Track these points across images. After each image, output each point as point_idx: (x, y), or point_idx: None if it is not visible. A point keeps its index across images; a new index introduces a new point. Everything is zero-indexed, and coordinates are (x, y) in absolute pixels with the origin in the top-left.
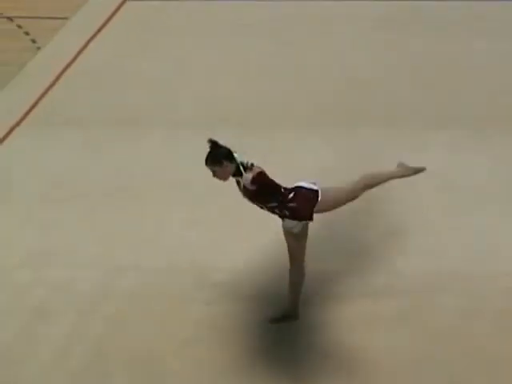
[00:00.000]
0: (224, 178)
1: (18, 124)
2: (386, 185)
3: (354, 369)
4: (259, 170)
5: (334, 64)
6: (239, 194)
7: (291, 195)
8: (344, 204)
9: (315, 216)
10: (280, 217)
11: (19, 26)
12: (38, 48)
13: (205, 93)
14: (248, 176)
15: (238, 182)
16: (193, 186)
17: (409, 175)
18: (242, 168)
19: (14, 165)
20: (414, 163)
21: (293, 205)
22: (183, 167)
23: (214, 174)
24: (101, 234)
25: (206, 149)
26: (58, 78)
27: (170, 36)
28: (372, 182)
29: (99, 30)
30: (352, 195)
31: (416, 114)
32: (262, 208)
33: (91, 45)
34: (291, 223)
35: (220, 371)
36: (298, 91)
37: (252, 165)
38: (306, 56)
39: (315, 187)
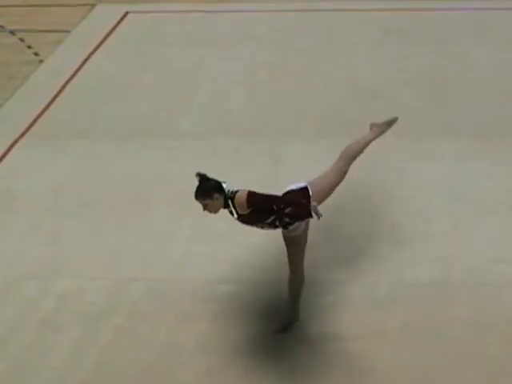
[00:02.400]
0: (215, 210)
1: (21, 136)
2: (393, 194)
3: (360, 381)
4: (247, 191)
5: (341, 74)
6: None
7: (284, 202)
8: (337, 185)
9: (319, 223)
10: (283, 227)
11: (21, 40)
12: (41, 61)
13: (208, 104)
14: (241, 201)
15: (231, 213)
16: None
17: (384, 132)
18: (229, 200)
19: (19, 177)
20: (421, 173)
21: (289, 210)
22: (187, 179)
23: (205, 208)
24: (108, 245)
25: (207, 158)
26: (60, 91)
27: (172, 48)
28: (353, 153)
29: (101, 43)
30: (340, 174)
31: (423, 123)
32: (263, 228)
33: (93, 57)
34: (293, 227)
35: (232, 382)
36: (304, 102)
37: (236, 191)
38: (311, 66)
39: (303, 184)
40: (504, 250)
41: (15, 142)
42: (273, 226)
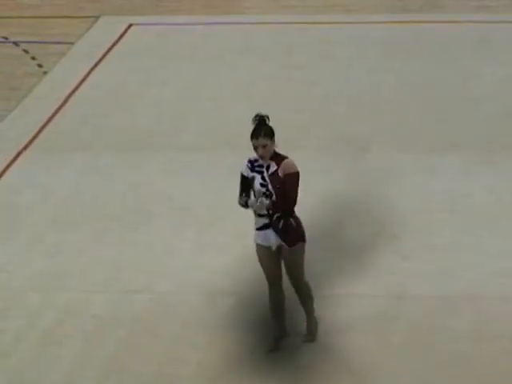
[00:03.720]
0: (269, 154)
1: (25, 148)
2: (394, 207)
3: None
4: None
5: (341, 88)
6: (245, 219)
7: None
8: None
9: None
10: (268, 206)
11: (25, 51)
12: (45, 72)
13: (211, 117)
14: (293, 162)
15: (268, 167)
16: (199, 209)
17: None
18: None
19: (22, 189)
20: (423, 186)
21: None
22: (189, 191)
23: (263, 148)
24: (110, 258)
25: (209, 172)
26: (64, 103)
27: (175, 60)
28: None
29: (105, 55)
30: None
31: (425, 137)
32: (266, 197)
33: (97, 69)
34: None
35: None
36: (307, 114)
37: None
38: (311, 80)
39: None
40: (506, 263)
41: (18, 154)
42: (269, 198)
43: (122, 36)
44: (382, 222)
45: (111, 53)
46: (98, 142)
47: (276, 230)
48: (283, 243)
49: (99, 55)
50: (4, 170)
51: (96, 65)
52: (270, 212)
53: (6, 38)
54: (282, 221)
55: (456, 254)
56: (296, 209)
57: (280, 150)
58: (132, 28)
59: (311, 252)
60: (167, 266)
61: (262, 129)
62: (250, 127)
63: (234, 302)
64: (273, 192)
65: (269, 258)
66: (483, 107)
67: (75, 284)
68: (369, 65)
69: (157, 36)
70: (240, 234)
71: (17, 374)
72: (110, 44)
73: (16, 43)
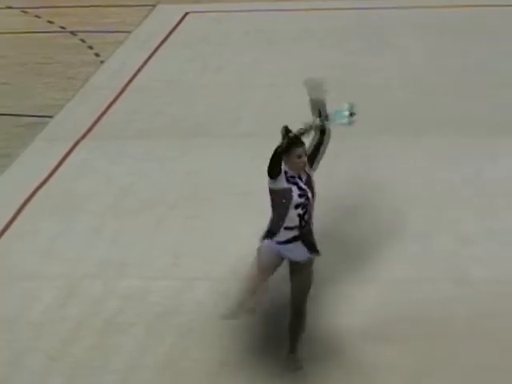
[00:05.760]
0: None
1: (83, 137)
2: (460, 193)
3: None
4: None
5: (401, 73)
6: None
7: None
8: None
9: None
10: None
11: (82, 41)
12: (102, 62)
13: (268, 103)
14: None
15: (300, 176)
16: (259, 195)
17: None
18: None
19: (81, 178)
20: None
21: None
22: (248, 178)
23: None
24: (171, 244)
25: (267, 158)
26: (121, 92)
27: (231, 47)
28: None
29: (162, 43)
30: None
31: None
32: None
33: (154, 58)
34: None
35: None
36: (363, 100)
37: None
38: (368, 66)
39: None
40: None
41: (77, 143)
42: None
43: (178, 24)
44: (441, 206)
45: (168, 41)
46: (156, 130)
47: (308, 242)
48: (311, 255)
49: (156, 44)
50: (63, 159)
51: (153, 53)
52: (303, 223)
53: (64, 28)
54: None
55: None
56: None
57: (335, 135)
58: (188, 16)
59: (372, 237)
60: (228, 252)
61: (298, 139)
62: (308, 113)
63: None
64: (312, 202)
65: (274, 270)
66: None
67: (136, 271)
68: (424, 49)
69: (212, 24)
70: None
71: (78, 363)
72: (166, 32)
73: (73, 33)
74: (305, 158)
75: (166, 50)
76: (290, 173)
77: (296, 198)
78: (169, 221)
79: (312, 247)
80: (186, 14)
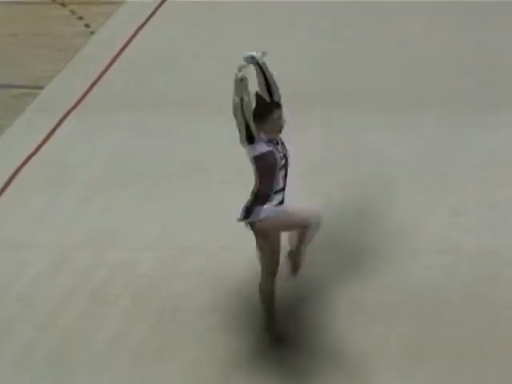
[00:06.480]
0: None
1: (73, 108)
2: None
3: None
4: None
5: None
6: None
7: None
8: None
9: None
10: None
11: (72, 12)
12: (92, 33)
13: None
14: None
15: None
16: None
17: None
18: None
19: (71, 149)
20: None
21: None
22: (240, 149)
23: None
24: (161, 216)
25: None
26: (112, 62)
27: (225, 21)
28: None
29: (152, 14)
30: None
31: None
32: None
33: (144, 29)
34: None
35: None
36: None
37: None
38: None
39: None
40: None
41: (67, 113)
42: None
43: None
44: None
45: (159, 12)
46: (147, 102)
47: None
48: None
49: (146, 15)
50: (53, 130)
51: (143, 24)
52: (285, 186)
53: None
54: None
55: None
56: None
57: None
58: None
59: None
60: (220, 223)
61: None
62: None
63: None
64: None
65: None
66: None
67: (125, 242)
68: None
69: None
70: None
71: (66, 332)
72: (157, 3)
73: (62, 4)
74: (283, 120)
75: (157, 21)
76: (268, 136)
77: (280, 161)
78: (160, 192)
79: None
80: None
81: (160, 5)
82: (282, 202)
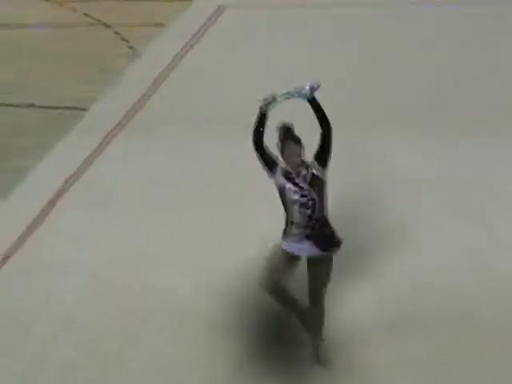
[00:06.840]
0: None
1: (117, 129)
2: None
3: None
4: None
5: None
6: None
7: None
8: None
9: None
10: None
11: (116, 33)
12: (135, 54)
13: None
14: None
15: (299, 174)
16: None
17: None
18: None
19: (115, 168)
20: None
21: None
22: None
23: (298, 156)
24: (202, 240)
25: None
26: (155, 84)
27: (266, 45)
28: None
29: (195, 36)
30: None
31: None
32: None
33: (188, 51)
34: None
35: None
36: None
37: None
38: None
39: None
40: None
41: (110, 134)
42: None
43: (214, 19)
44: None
45: (203, 35)
46: (191, 124)
47: (321, 241)
48: (325, 252)
49: (190, 37)
50: (97, 150)
51: (186, 46)
52: (312, 223)
53: (98, 20)
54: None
55: None
56: None
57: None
58: (225, 11)
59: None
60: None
61: (294, 136)
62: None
63: None
64: (317, 200)
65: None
66: None
67: (165, 265)
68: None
69: (249, 20)
70: None
71: (102, 353)
72: (201, 26)
73: (106, 25)
74: (299, 156)
75: (201, 43)
76: (288, 169)
77: (292, 196)
78: (203, 213)
79: (326, 245)
80: (221, 8)
81: (205, 27)
82: (306, 239)
